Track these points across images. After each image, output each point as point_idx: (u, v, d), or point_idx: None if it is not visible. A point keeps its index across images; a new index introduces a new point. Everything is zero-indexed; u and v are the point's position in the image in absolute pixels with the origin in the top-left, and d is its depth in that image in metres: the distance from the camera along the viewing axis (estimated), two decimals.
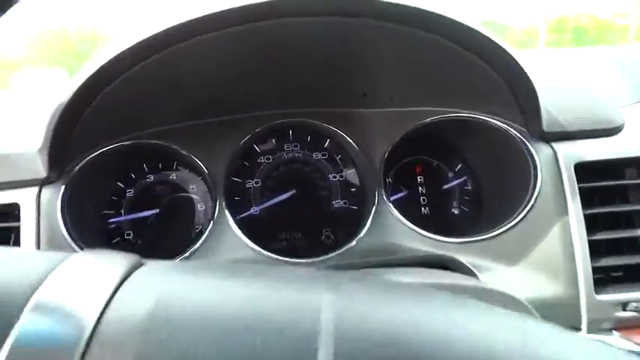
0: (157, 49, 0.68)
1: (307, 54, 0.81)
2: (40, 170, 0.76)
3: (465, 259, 0.80)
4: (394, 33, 0.72)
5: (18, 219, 0.75)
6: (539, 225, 0.79)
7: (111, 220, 0.96)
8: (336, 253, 0.84)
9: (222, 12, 0.62)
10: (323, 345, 0.26)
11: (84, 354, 0.25)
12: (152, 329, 0.27)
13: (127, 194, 0.98)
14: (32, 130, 0.77)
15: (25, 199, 0.75)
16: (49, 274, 0.30)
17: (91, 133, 0.79)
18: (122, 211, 0.98)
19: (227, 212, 0.86)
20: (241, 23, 0.66)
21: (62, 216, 0.76)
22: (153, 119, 0.86)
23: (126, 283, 0.30)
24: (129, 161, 0.97)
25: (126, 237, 0.97)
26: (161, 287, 0.30)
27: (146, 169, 1.00)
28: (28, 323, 0.26)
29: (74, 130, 0.75)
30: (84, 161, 0.82)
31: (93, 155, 0.83)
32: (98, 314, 0.27)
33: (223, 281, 0.32)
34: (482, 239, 0.80)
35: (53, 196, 0.77)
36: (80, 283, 0.29)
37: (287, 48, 0.78)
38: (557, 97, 0.87)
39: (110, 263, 0.32)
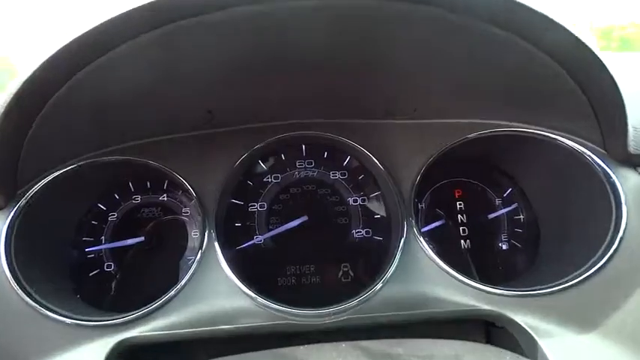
0: (100, 48, 0.51)
1: (323, 52, 0.63)
2: None
3: (521, 318, 0.61)
4: (441, 21, 0.54)
5: None
6: (623, 277, 0.60)
7: (89, 249, 0.81)
8: (355, 301, 0.66)
9: None
10: None
11: None
12: None
13: (110, 218, 0.84)
14: None
15: None
16: None
17: (46, 153, 0.65)
18: (103, 238, 0.83)
19: (217, 245, 0.70)
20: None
21: (6, 251, 0.61)
22: (126, 134, 0.71)
23: None
24: (111, 181, 0.82)
25: (106, 269, 0.82)
26: None
27: (132, 189, 0.85)
28: None
29: (19, 152, 0.60)
30: (41, 183, 0.67)
31: (53, 176, 0.68)
32: None
33: None
34: (546, 293, 0.61)
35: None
36: None
37: (297, 43, 0.60)
38: None
39: None
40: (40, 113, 0.55)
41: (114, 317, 0.64)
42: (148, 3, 0.45)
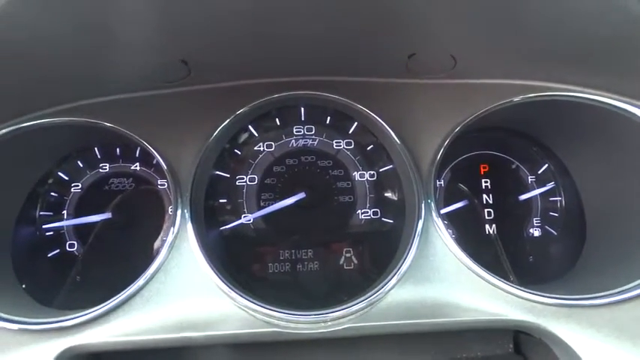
0: None
1: None
2: None
3: (561, 329, 0.49)
4: None
5: None
6: None
7: (47, 226, 0.70)
8: (362, 302, 0.55)
9: None
10: None
11: None
12: None
13: (73, 189, 0.71)
14: None
15: None
16: None
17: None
18: (64, 212, 0.71)
19: (190, 228, 0.58)
20: None
21: None
22: (93, 87, 0.58)
23: None
24: (73, 146, 0.69)
25: (68, 249, 0.70)
26: None
27: (99, 156, 0.72)
28: None
29: None
30: None
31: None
32: None
33: None
34: (596, 305, 0.49)
35: None
36: None
37: None
38: None
39: None
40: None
41: (64, 318, 0.53)
42: None
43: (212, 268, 0.56)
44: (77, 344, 0.51)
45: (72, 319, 0.52)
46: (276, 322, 0.53)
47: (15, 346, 0.52)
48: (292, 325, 0.53)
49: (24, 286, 0.65)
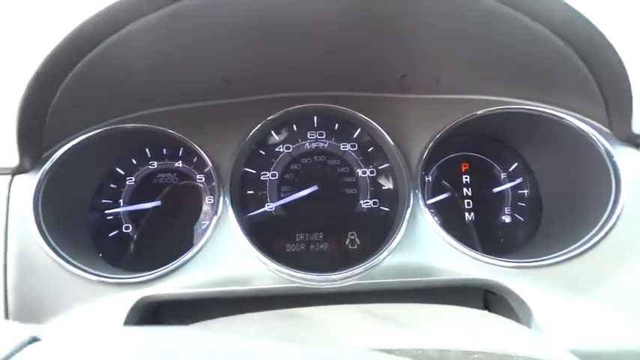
0: (116, 25, 0.54)
1: (337, 23, 0.64)
2: (12, 158, 0.64)
3: (517, 287, 0.64)
4: (455, 4, 0.55)
5: None
6: (619, 251, 0.63)
7: (108, 212, 0.85)
8: (361, 268, 0.70)
9: None
10: None
11: None
12: None
13: (127, 182, 0.87)
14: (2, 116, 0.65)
15: None
16: None
17: (68, 120, 0.68)
18: (121, 200, 0.86)
19: (231, 211, 0.74)
20: None
21: (35, 208, 0.65)
22: (144, 102, 0.74)
23: None
24: (129, 147, 0.85)
25: (124, 230, 0.86)
26: None
27: (149, 155, 0.88)
28: None
29: (44, 118, 0.63)
30: (65, 148, 0.70)
31: (75, 142, 0.71)
32: None
33: None
34: (543, 265, 0.64)
35: (27, 186, 0.66)
36: None
37: (311, 13, 0.62)
38: None
39: None
40: (64, 82, 0.58)
41: (135, 276, 0.68)
42: None
43: (249, 241, 0.72)
44: (148, 295, 0.66)
45: (142, 276, 0.68)
46: (298, 280, 0.69)
47: (94, 297, 0.65)
48: (310, 282, 0.69)
49: (100, 255, 0.81)
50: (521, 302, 0.64)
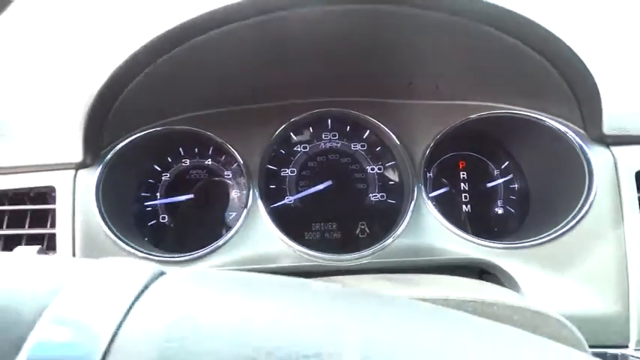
0: (183, 40, 0.66)
1: (349, 40, 0.77)
2: (76, 154, 0.76)
3: (506, 265, 0.75)
4: (446, 22, 0.67)
5: (54, 201, 0.75)
6: (591, 234, 0.74)
7: (147, 204, 0.97)
8: (371, 250, 0.81)
9: None
10: None
11: None
12: (168, 346, 0.25)
13: (163, 178, 0.98)
14: (67, 115, 0.77)
15: (61, 182, 0.76)
16: (65, 283, 0.28)
17: (126, 119, 0.79)
18: (158, 194, 0.98)
19: (260, 202, 0.85)
20: (294, 7, 0.62)
21: (97, 199, 0.76)
22: (192, 104, 0.85)
23: (145, 294, 0.29)
24: (166, 145, 0.96)
25: (161, 220, 0.97)
26: (179, 301, 0.28)
27: (182, 153, 0.99)
28: (42, 335, 0.25)
29: (108, 117, 0.75)
30: (119, 145, 0.82)
31: (128, 140, 0.82)
32: (115, 327, 0.26)
33: (243, 299, 0.30)
34: (528, 246, 0.75)
35: (89, 180, 0.77)
36: (98, 293, 0.28)
37: (327, 33, 0.74)
38: (623, 97, 0.80)
39: (130, 273, 0.30)
40: (129, 86, 0.69)
41: (177, 255, 0.79)
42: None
43: (276, 227, 0.83)
44: None
45: (183, 256, 0.79)
46: (318, 260, 0.80)
47: None
48: (328, 262, 0.80)
49: (146, 239, 0.92)
50: (510, 277, 0.75)
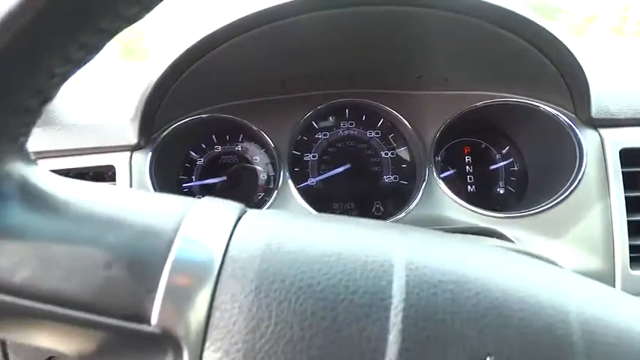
0: (236, 34, 0.77)
1: (368, 39, 0.87)
2: (131, 137, 0.87)
3: (508, 232, 0.86)
4: (450, 21, 0.78)
5: (113, 179, 0.86)
6: (581, 205, 0.84)
7: (184, 185, 1.08)
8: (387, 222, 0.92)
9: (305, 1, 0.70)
10: (396, 275, 0.35)
11: (217, 279, 0.34)
12: (266, 258, 0.36)
13: (198, 162, 1.09)
14: (124, 101, 0.88)
15: (119, 161, 0.87)
16: (186, 213, 0.39)
17: (175, 106, 0.89)
18: (193, 177, 1.09)
19: (290, 182, 0.96)
20: (320, 10, 0.73)
21: (151, 177, 0.87)
22: (228, 95, 0.96)
23: (240, 223, 0.39)
24: (201, 132, 1.07)
25: None
26: (268, 227, 0.39)
27: (215, 140, 1.10)
28: (179, 251, 0.35)
29: (161, 103, 0.85)
30: (167, 130, 0.92)
31: (175, 125, 0.93)
32: (223, 252, 0.36)
33: (316, 224, 0.41)
34: (526, 215, 0.86)
35: (142, 161, 0.88)
36: (208, 222, 0.38)
37: (349, 32, 0.85)
38: (609, 85, 0.91)
39: (226, 208, 0.41)
40: (181, 77, 0.80)
41: None
42: None
43: (305, 202, 0.94)
44: None
45: None
46: None
47: None
48: None
49: None
50: (511, 242, 0.86)
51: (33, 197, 0.35)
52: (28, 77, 0.33)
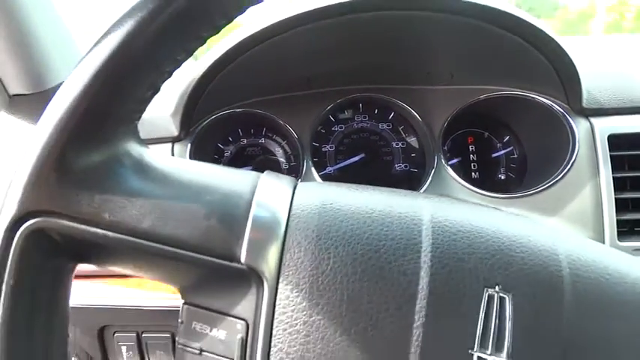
0: (270, 36, 0.87)
1: (381, 39, 0.98)
2: (173, 130, 0.97)
3: (509, 210, 0.97)
4: (454, 23, 0.89)
5: None
6: (574, 185, 0.95)
7: None
8: None
9: (329, 6, 0.81)
10: (425, 228, 0.46)
11: (285, 231, 0.45)
12: (323, 214, 0.46)
13: (226, 154, 1.19)
14: (164, 97, 0.98)
15: (162, 152, 0.97)
16: (257, 182, 0.49)
17: (211, 102, 1.00)
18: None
19: (314, 169, 1.06)
20: (340, 15, 0.84)
21: None
22: (259, 91, 1.06)
23: (297, 190, 0.50)
24: (228, 126, 1.18)
25: None
26: (321, 192, 0.50)
27: (240, 133, 1.21)
28: (256, 211, 0.45)
29: (200, 99, 0.96)
30: (203, 124, 1.03)
31: (210, 120, 1.04)
32: (288, 209, 0.47)
33: (358, 190, 0.51)
34: (525, 195, 0.97)
35: (183, 151, 0.98)
36: (272, 191, 0.49)
37: (366, 34, 0.96)
38: (598, 79, 1.02)
39: (285, 179, 0.52)
40: (222, 71, 0.91)
41: None
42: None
43: None
44: None
45: None
46: None
47: None
48: None
49: None
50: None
51: (148, 169, 0.46)
52: (148, 75, 0.44)
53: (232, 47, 0.86)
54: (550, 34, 0.87)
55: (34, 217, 0.38)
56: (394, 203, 0.50)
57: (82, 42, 1.11)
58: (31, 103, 1.00)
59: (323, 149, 1.19)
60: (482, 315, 0.41)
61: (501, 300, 0.42)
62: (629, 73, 1.04)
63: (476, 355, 0.40)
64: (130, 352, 0.94)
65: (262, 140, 1.21)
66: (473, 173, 1.20)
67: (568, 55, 0.89)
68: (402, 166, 1.20)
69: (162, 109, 0.99)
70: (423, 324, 0.40)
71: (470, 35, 0.94)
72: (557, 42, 0.88)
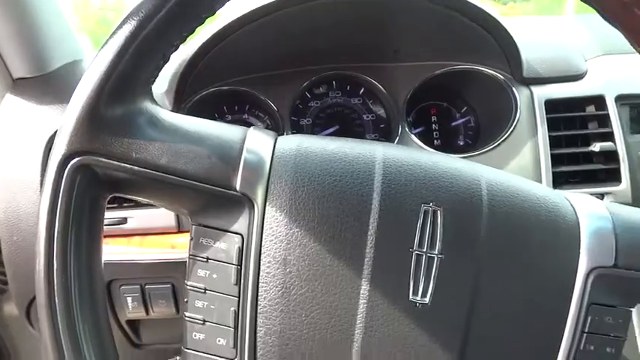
0: (251, 20, 1.00)
1: (352, 21, 1.11)
2: (167, 105, 1.09)
3: None
4: (416, 7, 1.03)
5: None
6: (518, 143, 1.10)
7: None
8: None
9: None
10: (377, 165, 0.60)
11: (270, 168, 0.58)
12: (298, 155, 0.60)
13: None
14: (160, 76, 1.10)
15: None
16: (247, 134, 0.62)
17: (200, 80, 1.12)
18: None
19: None
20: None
21: None
22: (243, 70, 1.18)
23: (278, 140, 0.63)
24: (214, 103, 1.30)
25: None
26: (297, 141, 0.63)
27: (225, 110, 1.33)
28: (246, 155, 0.59)
29: (190, 78, 1.08)
30: (193, 101, 1.15)
31: (199, 97, 1.16)
32: (271, 152, 0.60)
33: (327, 139, 0.65)
34: (478, 154, 1.12)
35: None
36: (259, 140, 0.62)
37: (340, 16, 1.09)
38: (537, 52, 1.17)
39: (268, 133, 0.65)
40: (210, 52, 1.03)
41: None
42: None
43: None
44: None
45: None
46: None
47: None
48: None
49: None
50: None
51: (162, 121, 0.59)
52: (162, 47, 0.57)
53: (218, 31, 0.98)
54: (494, 16, 1.02)
55: (80, 156, 0.50)
56: (355, 146, 0.64)
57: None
58: (34, 86, 1.09)
59: (301, 123, 1.32)
60: (420, 223, 0.53)
61: (434, 212, 0.54)
62: (564, 47, 1.20)
63: (414, 252, 0.54)
64: (135, 303, 1.06)
65: (246, 116, 1.33)
66: (435, 140, 1.34)
67: (509, 33, 1.04)
68: (373, 135, 1.33)
69: (157, 87, 1.10)
70: (375, 231, 0.55)
71: (429, 17, 1.08)
72: (500, 22, 1.03)
